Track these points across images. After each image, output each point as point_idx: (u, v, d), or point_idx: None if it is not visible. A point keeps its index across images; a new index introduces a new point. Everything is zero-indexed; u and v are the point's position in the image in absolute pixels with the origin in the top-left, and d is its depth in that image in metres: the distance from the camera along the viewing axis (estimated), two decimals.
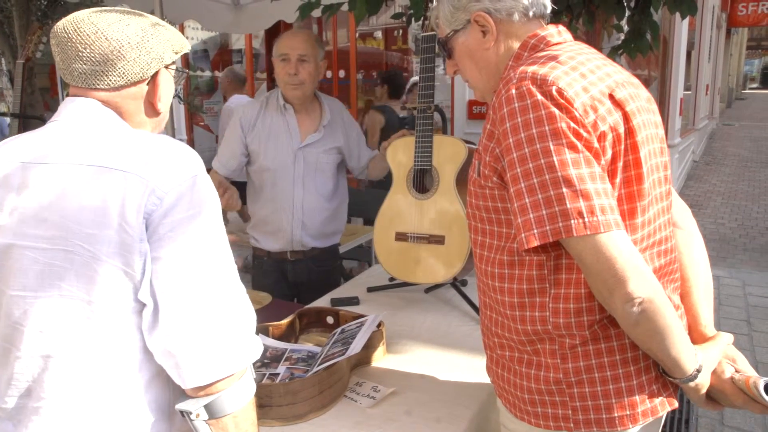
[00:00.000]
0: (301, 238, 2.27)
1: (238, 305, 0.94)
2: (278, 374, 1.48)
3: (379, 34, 6.89)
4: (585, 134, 0.95)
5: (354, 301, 2.03)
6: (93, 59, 0.95)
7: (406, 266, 1.96)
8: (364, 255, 3.86)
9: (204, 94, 8.50)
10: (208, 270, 0.90)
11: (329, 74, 6.84)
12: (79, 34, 0.95)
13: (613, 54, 2.43)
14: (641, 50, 2.30)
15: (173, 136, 3.41)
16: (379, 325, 1.61)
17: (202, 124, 8.10)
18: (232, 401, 0.92)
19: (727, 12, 13.73)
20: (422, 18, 1.95)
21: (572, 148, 0.94)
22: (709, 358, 1.08)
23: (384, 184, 2.24)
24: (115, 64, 0.96)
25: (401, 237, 1.96)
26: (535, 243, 0.95)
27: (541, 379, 1.06)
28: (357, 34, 6.67)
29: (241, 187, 2.27)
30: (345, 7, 2.19)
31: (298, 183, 2.23)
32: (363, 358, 1.57)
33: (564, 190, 0.93)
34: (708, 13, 10.21)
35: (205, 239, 0.90)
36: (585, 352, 1.03)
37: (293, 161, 2.22)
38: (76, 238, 0.87)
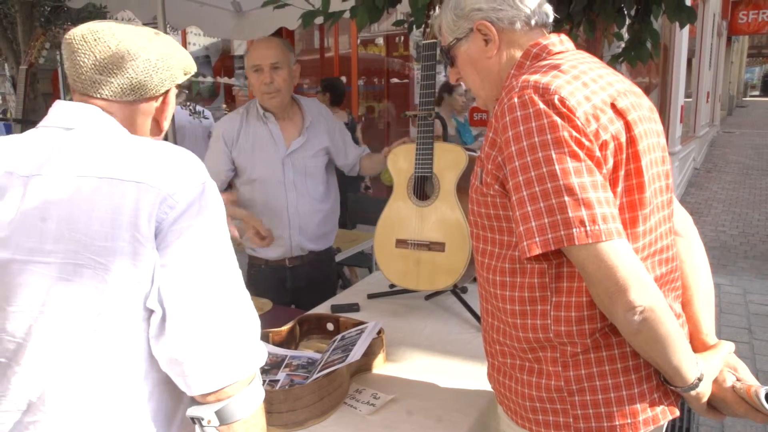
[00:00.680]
0: (300, 243, 2.28)
1: (244, 312, 0.94)
2: (278, 381, 1.48)
3: (380, 41, 6.92)
4: (587, 143, 0.96)
5: (354, 307, 2.03)
6: (111, 70, 0.96)
7: (406, 273, 1.96)
8: (365, 261, 3.86)
9: (206, 99, 8.53)
10: (215, 276, 0.90)
11: None
12: (99, 43, 0.95)
13: (613, 62, 2.44)
14: (641, 58, 2.31)
15: (174, 142, 3.43)
16: (379, 332, 1.61)
17: None
18: (242, 407, 0.92)
19: (727, 20, 13.77)
20: (423, 25, 1.96)
21: (574, 156, 0.94)
22: (711, 366, 1.08)
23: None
24: (132, 77, 0.97)
25: (402, 244, 1.96)
26: (537, 251, 0.95)
27: (543, 386, 1.06)
28: (359, 41, 6.70)
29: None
30: (347, 15, 2.20)
31: (291, 190, 2.23)
32: (363, 365, 1.57)
33: (566, 198, 0.93)
34: (708, 20, 10.25)
35: (212, 245, 0.91)
36: (586, 360, 1.03)
37: (282, 169, 2.22)
38: (88, 251, 0.86)
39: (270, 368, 1.53)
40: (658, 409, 1.05)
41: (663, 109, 7.42)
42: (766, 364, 3.41)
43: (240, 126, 2.23)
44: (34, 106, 4.17)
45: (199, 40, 8.23)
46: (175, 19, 3.92)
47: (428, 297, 2.11)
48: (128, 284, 0.87)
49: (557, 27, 2.11)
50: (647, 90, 7.67)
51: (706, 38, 10.39)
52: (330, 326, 1.76)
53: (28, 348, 0.89)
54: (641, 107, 1.08)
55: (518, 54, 1.14)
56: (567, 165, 0.94)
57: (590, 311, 1.01)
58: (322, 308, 2.05)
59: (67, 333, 0.88)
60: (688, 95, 9.31)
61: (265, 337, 1.64)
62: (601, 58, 1.21)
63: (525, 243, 0.96)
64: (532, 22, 1.13)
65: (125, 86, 0.97)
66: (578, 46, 1.20)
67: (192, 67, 1.08)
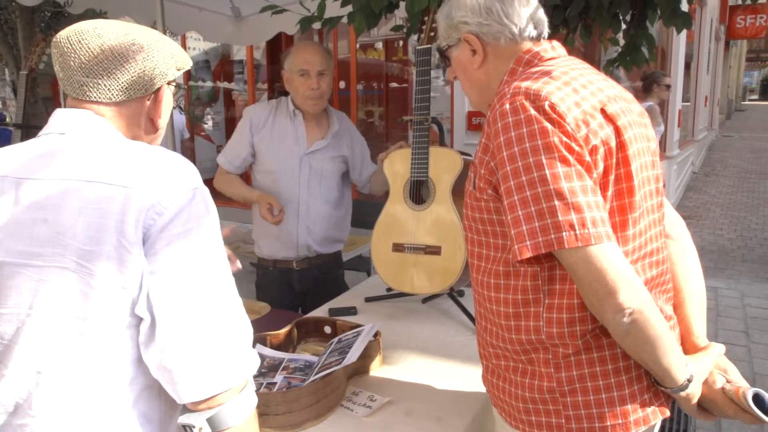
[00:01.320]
0: (306, 243, 2.30)
1: (235, 319, 0.92)
2: (275, 383, 1.49)
3: (379, 45, 6.94)
4: (577, 148, 0.97)
5: (351, 311, 2.04)
6: (96, 72, 0.94)
7: (403, 276, 1.97)
8: (363, 265, 3.87)
9: (205, 104, 8.54)
10: (205, 283, 0.89)
11: None
12: (82, 45, 0.94)
13: (609, 66, 2.46)
14: (637, 63, 2.33)
15: (174, 146, 3.44)
16: (375, 335, 1.62)
17: (203, 134, 8.13)
18: (233, 414, 0.91)
19: (725, 24, 13.81)
20: (418, 31, 1.98)
21: (564, 161, 0.96)
22: (700, 368, 1.10)
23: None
24: (119, 77, 0.95)
25: (398, 247, 1.98)
26: (528, 254, 0.97)
27: (535, 387, 1.07)
28: (357, 45, 6.72)
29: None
30: (345, 20, 2.22)
31: (303, 187, 2.26)
32: (360, 368, 1.58)
33: (556, 203, 0.95)
34: (706, 25, 10.28)
35: (202, 253, 0.89)
36: (578, 361, 1.05)
37: (299, 166, 2.26)
38: (74, 255, 0.85)
39: (267, 371, 1.55)
40: (649, 409, 1.06)
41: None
42: (763, 367, 3.42)
43: (269, 115, 2.30)
44: (34, 111, 4.19)
45: (199, 44, 8.25)
46: (175, 24, 3.93)
47: (425, 300, 2.13)
48: (114, 290, 0.86)
49: (554, 32, 2.13)
50: None
51: (704, 42, 10.42)
52: (327, 329, 1.78)
53: (15, 350, 0.88)
54: (631, 112, 1.10)
55: (505, 66, 1.16)
56: (557, 170, 0.95)
57: (582, 313, 1.03)
58: (320, 311, 2.06)
59: (54, 336, 0.87)
60: (686, 99, 9.33)
61: (262, 340, 1.65)
62: (597, 62, 1.22)
63: (516, 246, 0.98)
64: (518, 38, 1.15)
65: (113, 87, 0.95)
66: (575, 51, 1.22)
67: (185, 63, 1.05)
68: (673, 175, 7.55)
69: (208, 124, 8.29)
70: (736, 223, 7.00)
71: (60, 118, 0.97)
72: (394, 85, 6.91)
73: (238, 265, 1.30)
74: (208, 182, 1.08)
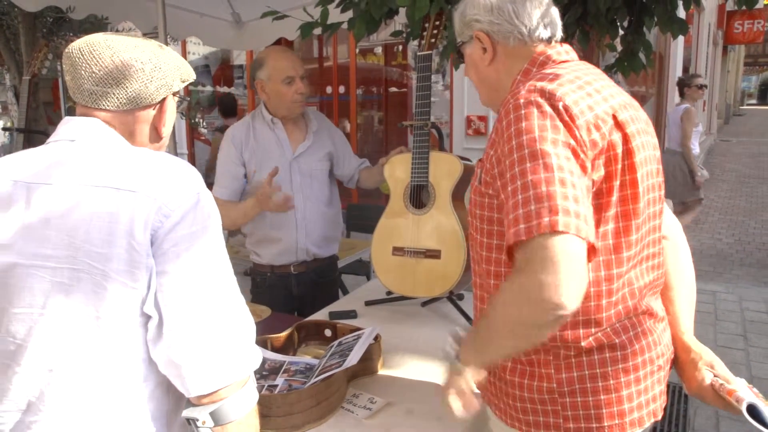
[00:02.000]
0: (306, 246, 2.31)
1: (239, 316, 0.97)
2: (277, 386, 1.50)
3: (379, 50, 6.97)
4: (581, 153, 0.98)
5: (352, 314, 2.05)
6: (106, 81, 0.99)
7: (403, 280, 1.98)
8: (363, 269, 3.89)
9: (205, 108, 8.57)
10: (210, 283, 0.93)
11: (329, 90, 6.91)
12: (94, 56, 0.98)
13: (606, 72, 2.47)
14: (634, 69, 2.35)
15: (174, 150, 3.46)
16: (376, 338, 1.64)
17: (202, 138, 8.15)
18: (236, 409, 0.95)
19: (723, 29, 13.87)
20: (419, 37, 2.00)
21: (567, 159, 0.96)
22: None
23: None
24: (127, 87, 1.00)
25: (398, 251, 1.99)
26: (512, 240, 0.93)
27: (535, 388, 1.09)
28: (357, 50, 6.75)
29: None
30: (345, 26, 2.25)
31: (297, 193, 2.27)
32: (360, 370, 1.59)
33: (545, 196, 0.92)
34: (704, 30, 10.33)
35: (207, 253, 0.93)
36: (579, 363, 1.06)
37: (289, 173, 2.26)
38: (85, 256, 0.89)
39: (268, 374, 1.56)
40: (644, 411, 1.08)
41: (659, 118, 7.47)
42: (761, 370, 3.43)
43: (248, 130, 2.29)
44: (35, 116, 4.21)
45: (199, 49, 8.28)
46: (176, 30, 3.95)
47: (425, 304, 2.14)
48: (125, 290, 0.90)
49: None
50: (643, 99, 7.74)
51: (702, 47, 10.47)
52: (328, 332, 1.79)
53: (28, 349, 0.92)
54: (639, 120, 1.11)
55: (515, 65, 1.17)
56: (553, 170, 0.95)
57: (585, 317, 1.04)
58: (320, 315, 2.07)
59: (66, 335, 0.91)
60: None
61: (263, 343, 1.67)
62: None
63: (511, 230, 0.95)
64: (527, 39, 1.16)
65: (121, 97, 1.00)
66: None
67: (189, 75, 1.11)
68: None
69: (208, 129, 8.31)
70: (734, 228, 7.02)
71: (69, 126, 1.01)
72: (393, 89, 6.94)
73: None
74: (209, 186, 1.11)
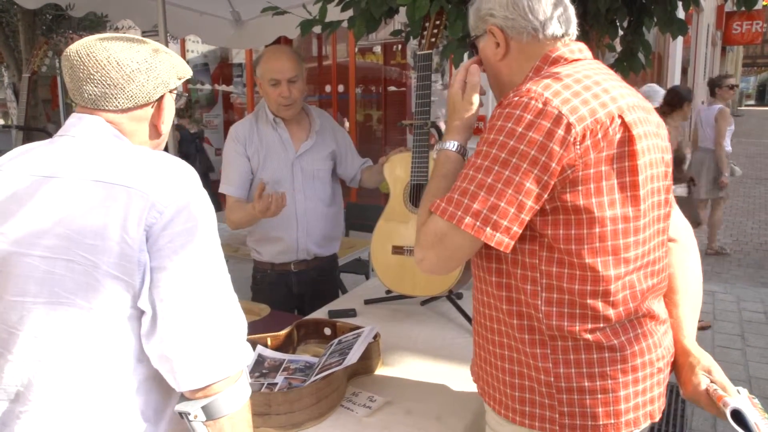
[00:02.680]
0: (306, 246, 2.31)
1: (231, 313, 0.99)
2: (276, 384, 1.50)
3: (378, 49, 6.97)
4: (555, 163, 0.99)
5: (351, 313, 2.06)
6: (104, 82, 1.01)
7: (402, 279, 1.99)
8: (362, 268, 3.89)
9: (204, 107, 8.57)
10: (203, 279, 0.95)
11: (328, 89, 6.91)
12: (91, 59, 1.00)
13: None
14: (634, 69, 2.35)
15: (174, 149, 3.46)
16: (375, 337, 1.64)
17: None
18: (228, 403, 0.96)
19: (721, 30, 13.89)
20: (419, 36, 2.00)
21: (537, 166, 0.98)
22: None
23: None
24: (125, 87, 1.02)
25: (398, 250, 2.00)
26: (433, 207, 1.07)
27: (534, 379, 1.09)
28: (356, 49, 6.75)
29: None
30: (345, 24, 2.25)
31: (299, 192, 2.27)
32: (359, 369, 1.60)
33: (479, 198, 1.01)
34: (703, 30, 10.35)
35: (201, 250, 0.95)
36: (577, 360, 1.06)
37: (291, 172, 2.26)
38: (79, 248, 0.91)
39: (268, 372, 1.56)
40: (641, 412, 1.09)
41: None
42: (759, 370, 3.44)
43: (251, 127, 2.28)
44: (34, 113, 4.21)
45: (198, 47, 8.28)
46: (175, 28, 3.95)
47: (424, 302, 2.15)
48: (117, 283, 0.92)
49: None
50: None
51: (701, 48, 10.49)
52: (327, 331, 1.79)
53: (20, 337, 0.94)
54: (648, 123, 1.10)
55: (530, 61, 1.16)
56: (523, 175, 0.99)
57: (582, 310, 1.05)
58: (320, 313, 2.08)
59: (57, 326, 0.93)
60: None
61: (263, 342, 1.67)
62: None
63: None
64: (540, 35, 1.15)
65: (120, 97, 1.02)
66: None
67: (186, 72, 1.13)
68: None
69: (207, 127, 8.31)
70: (732, 228, 7.04)
71: (72, 122, 1.03)
72: (392, 88, 6.94)
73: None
74: (208, 184, 1.12)
